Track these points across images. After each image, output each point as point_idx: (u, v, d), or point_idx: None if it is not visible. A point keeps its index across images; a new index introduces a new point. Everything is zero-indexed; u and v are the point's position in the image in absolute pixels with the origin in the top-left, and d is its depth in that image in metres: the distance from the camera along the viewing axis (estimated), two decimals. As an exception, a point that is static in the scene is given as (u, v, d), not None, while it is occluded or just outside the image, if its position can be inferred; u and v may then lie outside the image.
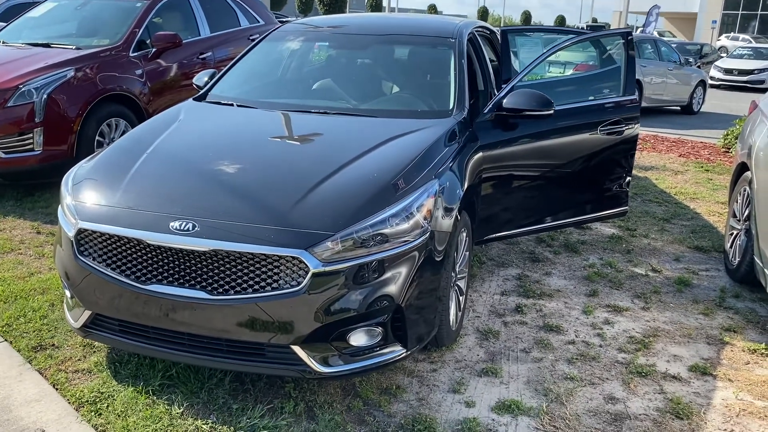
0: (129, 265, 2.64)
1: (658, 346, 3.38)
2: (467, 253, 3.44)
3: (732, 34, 39.74)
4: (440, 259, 2.87)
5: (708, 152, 8.74)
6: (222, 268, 2.52)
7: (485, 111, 3.78)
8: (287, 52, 4.47)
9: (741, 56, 22.30)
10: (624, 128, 4.15)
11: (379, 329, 2.65)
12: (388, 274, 2.63)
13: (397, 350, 2.73)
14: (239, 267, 2.51)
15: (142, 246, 2.59)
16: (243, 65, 4.24)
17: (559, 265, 4.42)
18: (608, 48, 4.96)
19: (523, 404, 2.80)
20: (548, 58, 4.15)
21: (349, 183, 2.82)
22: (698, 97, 13.64)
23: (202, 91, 4.01)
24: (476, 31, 4.52)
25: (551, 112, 3.65)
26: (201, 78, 4.23)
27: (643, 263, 4.52)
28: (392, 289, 2.63)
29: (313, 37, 4.57)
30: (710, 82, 18.24)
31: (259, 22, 7.59)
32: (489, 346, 3.32)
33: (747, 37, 36.75)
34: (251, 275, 2.51)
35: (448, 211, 2.97)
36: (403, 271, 2.67)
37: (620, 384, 3.02)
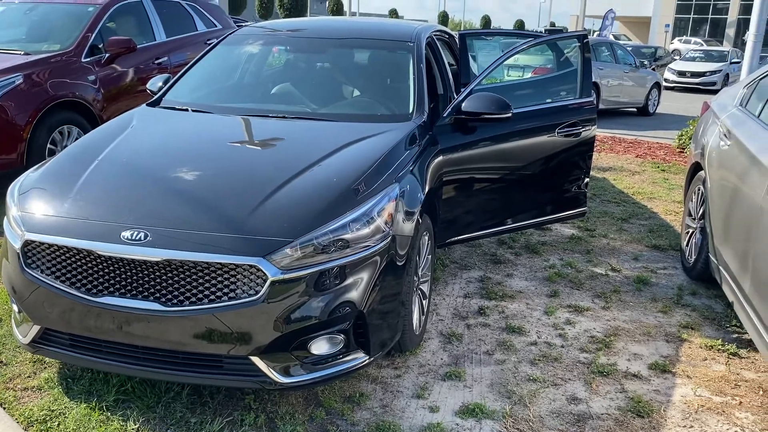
0: (79, 277, 2.54)
1: (618, 345, 3.41)
2: (430, 256, 3.42)
3: (684, 37, 40.80)
4: (402, 263, 2.85)
5: (664, 152, 8.93)
6: (176, 279, 2.44)
7: (444, 115, 3.77)
8: (244, 55, 4.40)
9: (693, 59, 22.91)
10: (581, 130, 4.19)
11: (341, 336, 2.61)
12: (349, 280, 2.59)
13: (359, 357, 2.69)
14: (194, 277, 2.44)
15: (92, 257, 2.50)
16: (198, 70, 4.16)
17: (520, 267, 4.44)
18: (565, 51, 5.01)
19: (486, 407, 2.79)
20: (507, 62, 4.17)
21: (308, 188, 2.77)
22: (653, 99, 13.96)
23: (155, 97, 3.91)
24: (435, 35, 4.52)
25: (509, 115, 3.67)
26: (155, 83, 4.13)
27: (602, 263, 4.58)
28: (354, 295, 2.60)
29: (270, 40, 4.51)
30: (664, 84, 18.67)
31: (216, 26, 7.49)
32: (452, 349, 3.30)
33: (698, 40, 37.79)
34: (207, 285, 2.44)
35: (409, 214, 2.95)
36: (364, 276, 2.63)
37: (582, 384, 3.03)
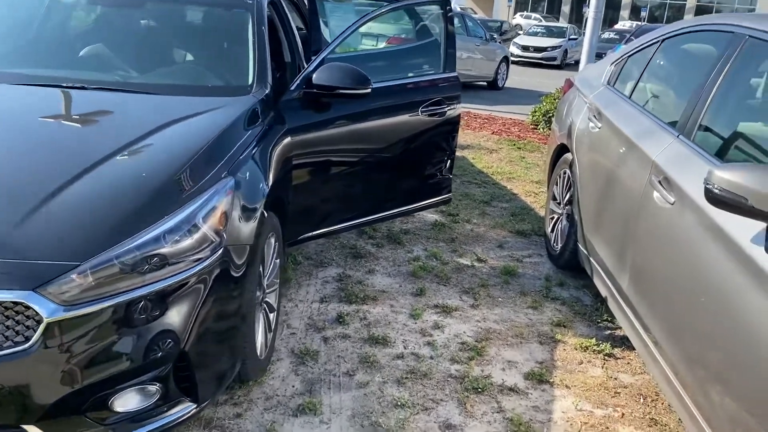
0: None
1: (491, 352, 3.06)
2: (278, 260, 2.84)
3: (525, 12, 42.79)
4: (240, 274, 2.25)
5: (518, 129, 8.91)
6: None
7: (292, 88, 3.16)
8: (41, 7, 3.47)
9: (535, 34, 23.86)
10: (446, 108, 3.77)
11: (156, 386, 1.97)
12: (166, 311, 1.95)
13: (185, 407, 2.08)
14: (-76, 325, 1.68)
15: None
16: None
17: (382, 260, 3.98)
18: (423, 19, 4.56)
19: (348, 451, 2.30)
20: (360, 30, 3.63)
21: (106, 187, 2.06)
22: (502, 73, 14.17)
23: None
24: (280, -8, 3.86)
25: (368, 90, 3.14)
26: None
27: (468, 252, 4.24)
28: (173, 330, 1.97)
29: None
30: (510, 58, 19.21)
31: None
32: (306, 371, 2.77)
33: (537, 15, 39.78)
34: (-54, 336, 1.69)
35: (249, 213, 2.35)
36: (188, 303, 2.01)
37: (456, 405, 2.64)
